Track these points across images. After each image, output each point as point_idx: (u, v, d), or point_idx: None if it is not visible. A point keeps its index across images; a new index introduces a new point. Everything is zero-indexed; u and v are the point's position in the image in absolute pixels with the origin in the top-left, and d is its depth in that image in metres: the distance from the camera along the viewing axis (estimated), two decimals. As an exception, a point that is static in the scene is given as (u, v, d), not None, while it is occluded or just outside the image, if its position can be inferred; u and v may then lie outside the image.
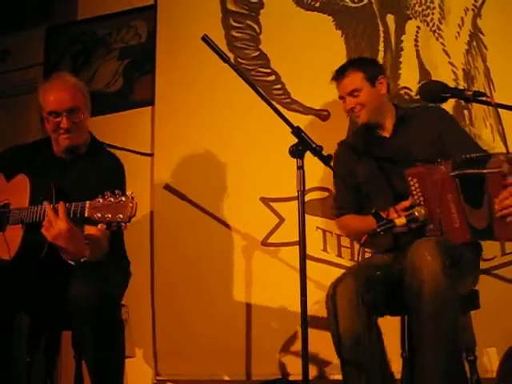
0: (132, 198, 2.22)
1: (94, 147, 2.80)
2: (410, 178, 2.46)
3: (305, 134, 2.17)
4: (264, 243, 3.43)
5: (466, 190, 2.37)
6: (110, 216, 2.20)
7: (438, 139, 2.65)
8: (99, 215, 2.21)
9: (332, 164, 2.80)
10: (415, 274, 2.27)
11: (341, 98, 2.77)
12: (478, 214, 2.36)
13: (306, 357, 2.09)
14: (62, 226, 2.29)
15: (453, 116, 2.90)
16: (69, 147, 2.70)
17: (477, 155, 2.41)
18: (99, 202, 2.23)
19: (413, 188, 2.46)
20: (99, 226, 2.23)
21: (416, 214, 2.37)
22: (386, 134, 2.75)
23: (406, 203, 2.46)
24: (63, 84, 2.67)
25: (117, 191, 2.22)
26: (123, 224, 2.21)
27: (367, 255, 2.89)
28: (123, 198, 2.21)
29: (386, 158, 2.69)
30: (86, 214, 2.25)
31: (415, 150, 2.63)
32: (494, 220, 2.31)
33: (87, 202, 2.26)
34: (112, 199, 2.21)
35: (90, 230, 2.47)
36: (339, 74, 2.74)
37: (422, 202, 2.42)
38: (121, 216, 2.20)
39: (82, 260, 2.38)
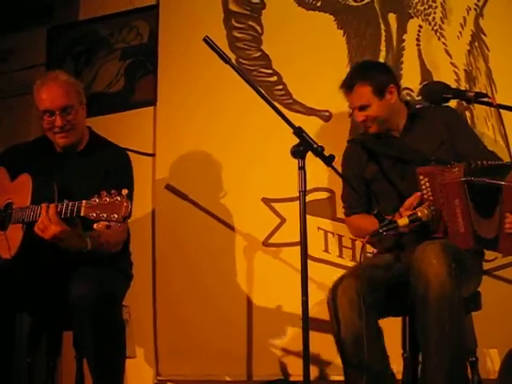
0: (127, 197, 2.21)
1: (94, 142, 2.80)
2: (421, 177, 2.42)
3: (306, 134, 2.17)
4: (265, 244, 3.43)
5: (476, 198, 2.32)
6: (105, 215, 2.20)
7: (448, 137, 2.61)
8: (94, 215, 2.21)
9: (341, 162, 2.79)
10: (421, 277, 2.26)
11: (351, 107, 2.71)
12: (486, 223, 2.33)
13: (307, 357, 2.08)
14: (54, 228, 2.34)
15: (462, 117, 2.85)
16: (66, 146, 2.70)
17: (495, 163, 2.37)
18: (95, 201, 2.23)
19: (423, 187, 2.41)
20: (95, 225, 2.23)
21: (419, 214, 2.35)
22: (397, 134, 2.70)
23: (414, 201, 2.43)
24: (55, 81, 2.65)
25: (113, 191, 2.22)
26: (118, 224, 2.21)
27: (368, 255, 2.89)
28: (118, 198, 2.21)
29: (395, 157, 2.64)
30: (81, 213, 2.26)
31: (425, 149, 2.58)
32: (501, 233, 2.29)
33: (83, 202, 2.26)
34: (108, 199, 2.22)
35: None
36: (346, 88, 2.64)
37: (431, 202, 2.38)
38: (115, 216, 2.20)
39: (84, 251, 2.44)
